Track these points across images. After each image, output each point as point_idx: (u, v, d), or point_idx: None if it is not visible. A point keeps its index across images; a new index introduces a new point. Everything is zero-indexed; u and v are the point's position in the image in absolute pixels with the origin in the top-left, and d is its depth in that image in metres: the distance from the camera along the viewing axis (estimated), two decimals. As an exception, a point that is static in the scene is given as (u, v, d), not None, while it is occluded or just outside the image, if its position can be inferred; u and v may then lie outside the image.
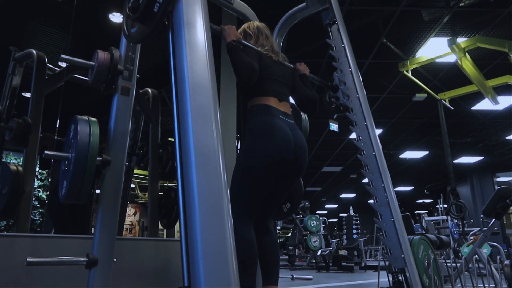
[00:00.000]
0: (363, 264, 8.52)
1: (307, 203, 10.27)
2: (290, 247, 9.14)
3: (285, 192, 1.75)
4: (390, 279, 1.88)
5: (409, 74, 6.10)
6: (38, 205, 5.87)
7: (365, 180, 1.93)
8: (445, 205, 9.09)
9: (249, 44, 1.75)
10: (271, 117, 1.62)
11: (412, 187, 16.43)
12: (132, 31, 1.31)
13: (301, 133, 1.71)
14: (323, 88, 2.27)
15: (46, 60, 2.68)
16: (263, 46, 1.83)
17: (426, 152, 11.08)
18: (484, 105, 7.45)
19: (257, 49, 1.76)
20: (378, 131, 9.14)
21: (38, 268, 1.76)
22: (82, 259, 1.36)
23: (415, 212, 17.59)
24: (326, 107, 2.25)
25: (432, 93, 6.73)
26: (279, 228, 12.28)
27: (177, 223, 3.07)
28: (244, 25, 1.94)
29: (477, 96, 6.96)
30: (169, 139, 3.39)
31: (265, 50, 1.80)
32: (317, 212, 21.11)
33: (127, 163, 2.89)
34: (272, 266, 1.70)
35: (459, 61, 5.52)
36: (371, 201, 1.90)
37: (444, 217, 9.43)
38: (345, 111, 2.09)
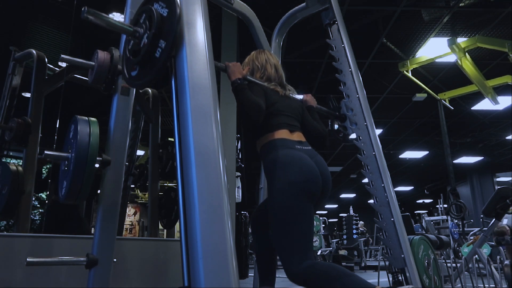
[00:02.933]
0: (363, 264, 8.52)
1: (307, 203, 10.24)
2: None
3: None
4: (390, 279, 1.88)
5: (409, 74, 6.10)
6: (38, 205, 5.86)
7: (365, 180, 1.93)
8: (445, 205, 9.09)
9: (255, 80, 1.68)
10: (288, 150, 1.54)
11: (412, 187, 16.43)
12: (132, 74, 1.22)
13: (321, 158, 1.63)
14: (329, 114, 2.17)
15: (46, 60, 2.68)
16: (270, 79, 1.76)
17: (426, 152, 11.08)
18: (484, 105, 7.45)
19: (263, 85, 1.69)
20: (378, 131, 9.14)
21: (38, 268, 1.76)
22: (82, 259, 1.36)
23: (415, 212, 17.59)
24: (333, 136, 2.15)
25: (432, 93, 6.74)
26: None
27: (177, 223, 3.07)
28: (253, 55, 1.86)
29: (477, 96, 6.97)
30: (169, 139, 3.39)
31: (272, 85, 1.73)
32: (317, 212, 21.10)
33: (126, 163, 2.89)
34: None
35: (459, 61, 5.52)
36: (371, 201, 1.90)
37: (444, 217, 9.42)
38: (353, 141, 2.02)
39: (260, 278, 1.73)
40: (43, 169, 3.69)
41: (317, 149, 1.74)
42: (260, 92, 1.62)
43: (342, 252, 8.91)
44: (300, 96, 1.95)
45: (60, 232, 3.18)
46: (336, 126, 2.17)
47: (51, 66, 2.81)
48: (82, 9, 1.06)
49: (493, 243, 4.86)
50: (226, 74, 1.62)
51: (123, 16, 1.61)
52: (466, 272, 3.83)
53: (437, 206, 11.05)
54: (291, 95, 1.82)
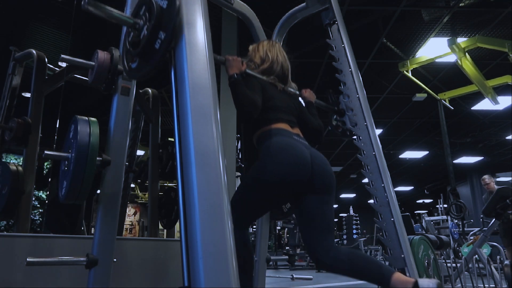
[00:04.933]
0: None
1: (307, 203, 10.24)
2: (288, 247, 9.16)
3: (323, 210, 1.59)
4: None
5: (409, 74, 6.10)
6: (38, 205, 5.87)
7: (365, 180, 1.93)
8: (445, 205, 9.09)
9: (252, 73, 1.68)
10: (285, 138, 1.57)
11: (412, 187, 16.43)
12: (132, 66, 1.23)
13: (318, 152, 1.63)
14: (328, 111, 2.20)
15: (46, 60, 2.68)
16: (271, 73, 1.76)
17: (426, 152, 11.08)
18: (484, 105, 7.46)
19: (261, 78, 1.69)
20: (378, 131, 9.14)
21: (38, 268, 1.76)
22: (82, 259, 1.36)
23: (415, 212, 17.59)
24: (332, 131, 2.19)
25: (432, 93, 6.74)
26: (279, 228, 12.30)
27: (177, 223, 3.07)
28: (266, 45, 1.85)
29: (477, 96, 6.97)
30: (169, 139, 3.39)
31: (271, 79, 1.74)
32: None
33: (126, 163, 2.89)
34: (371, 265, 1.49)
35: (459, 61, 5.53)
36: (371, 201, 1.90)
37: (444, 217, 9.42)
38: (351, 135, 2.03)
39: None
40: (45, 165, 3.69)
41: (313, 144, 1.76)
42: (257, 87, 1.63)
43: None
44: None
45: (59, 230, 3.18)
46: (334, 122, 2.19)
47: (51, 66, 2.81)
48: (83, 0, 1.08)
49: (493, 243, 4.86)
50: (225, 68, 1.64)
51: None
52: (466, 272, 3.83)
53: (437, 206, 11.06)
54: (289, 89, 1.83)
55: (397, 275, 1.41)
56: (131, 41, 1.19)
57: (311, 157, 1.56)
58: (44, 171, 3.55)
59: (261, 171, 1.53)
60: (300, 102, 1.88)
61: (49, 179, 3.36)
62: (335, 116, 2.20)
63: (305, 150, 1.56)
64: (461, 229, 6.77)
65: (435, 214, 11.83)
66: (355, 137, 2.01)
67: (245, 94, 1.54)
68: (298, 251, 9.73)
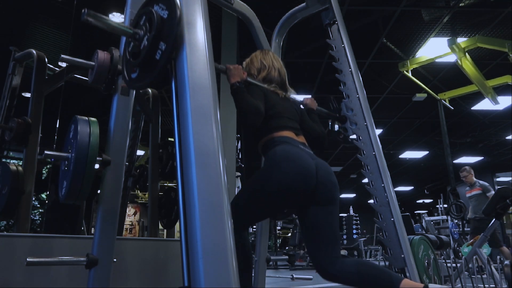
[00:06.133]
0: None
1: (307, 203, 10.22)
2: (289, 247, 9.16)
3: (328, 221, 1.56)
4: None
5: (409, 74, 6.11)
6: (38, 205, 5.87)
7: (365, 180, 1.93)
8: (445, 205, 9.10)
9: (254, 82, 1.69)
10: (290, 146, 1.56)
11: (412, 187, 16.43)
12: (132, 76, 1.21)
13: (324, 162, 1.61)
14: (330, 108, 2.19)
15: (46, 60, 2.68)
16: (272, 80, 1.78)
17: (426, 152, 11.09)
18: (484, 105, 7.46)
19: (263, 87, 1.70)
20: (378, 131, 9.14)
21: (38, 268, 1.76)
22: (82, 259, 1.36)
23: (415, 212, 17.59)
24: (333, 137, 2.19)
25: (432, 93, 6.74)
26: (279, 228, 12.30)
27: (177, 223, 3.07)
28: (259, 54, 1.87)
29: (477, 96, 6.97)
30: (169, 139, 3.39)
31: (272, 87, 1.75)
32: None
33: (126, 163, 2.89)
34: (381, 274, 1.46)
35: (459, 61, 5.53)
36: (371, 201, 1.90)
37: (444, 217, 9.43)
38: (353, 142, 2.04)
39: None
40: (43, 170, 3.70)
41: (315, 150, 1.74)
42: (259, 95, 1.63)
43: (342, 252, 8.91)
44: (300, 98, 1.97)
45: (59, 232, 3.19)
46: (336, 128, 2.18)
47: (51, 66, 2.81)
48: (82, 11, 1.06)
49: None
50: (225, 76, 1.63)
51: (123, 16, 1.61)
52: (466, 272, 3.83)
53: (437, 206, 11.06)
54: (291, 96, 1.83)
55: (406, 282, 1.41)
56: (131, 51, 1.18)
57: (316, 167, 1.54)
58: (43, 175, 3.55)
59: (266, 179, 1.51)
60: (301, 108, 1.88)
61: (48, 184, 3.37)
62: (336, 123, 2.19)
63: (310, 160, 1.54)
64: (461, 229, 6.77)
65: (435, 214, 11.84)
66: (354, 136, 2.01)
67: (248, 101, 1.54)
68: (301, 252, 9.68)
